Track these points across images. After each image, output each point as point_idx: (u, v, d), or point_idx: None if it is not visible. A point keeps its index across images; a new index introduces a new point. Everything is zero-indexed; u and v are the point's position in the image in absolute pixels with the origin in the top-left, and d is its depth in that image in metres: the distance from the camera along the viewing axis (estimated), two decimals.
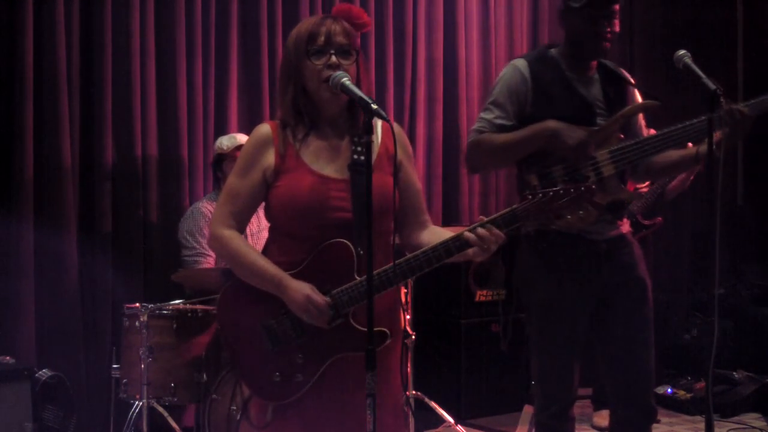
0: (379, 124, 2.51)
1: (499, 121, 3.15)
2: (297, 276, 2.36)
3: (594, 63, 3.24)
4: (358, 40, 2.47)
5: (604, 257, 3.18)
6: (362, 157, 2.41)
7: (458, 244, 2.36)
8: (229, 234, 2.43)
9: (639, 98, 3.30)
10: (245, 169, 2.45)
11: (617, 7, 3.17)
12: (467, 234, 2.35)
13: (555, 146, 3.07)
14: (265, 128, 2.47)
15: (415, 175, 2.60)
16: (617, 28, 3.18)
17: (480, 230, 2.34)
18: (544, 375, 3.25)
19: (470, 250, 2.36)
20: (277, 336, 2.39)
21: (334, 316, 2.36)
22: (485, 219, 2.40)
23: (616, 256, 3.20)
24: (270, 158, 2.42)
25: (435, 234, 2.55)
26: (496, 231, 2.35)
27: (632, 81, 3.31)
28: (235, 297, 2.46)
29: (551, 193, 2.39)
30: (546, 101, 3.14)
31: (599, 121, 3.16)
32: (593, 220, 3.02)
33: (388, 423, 2.47)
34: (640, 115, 3.32)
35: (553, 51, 3.26)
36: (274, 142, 2.43)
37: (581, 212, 2.71)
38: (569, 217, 2.83)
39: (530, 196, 2.40)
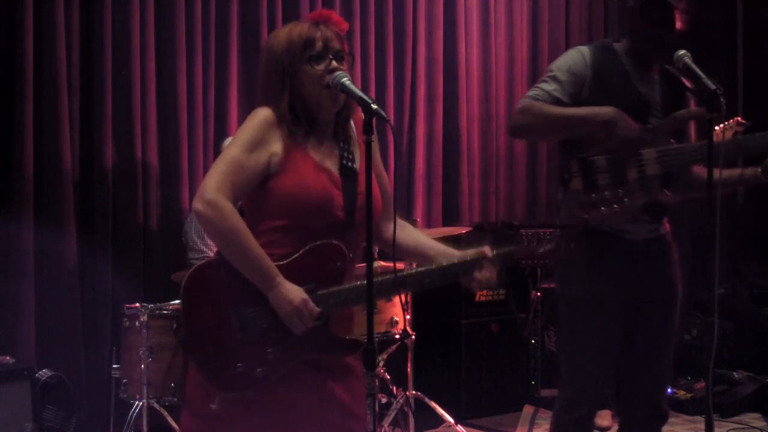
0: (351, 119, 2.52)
1: (556, 94, 3.10)
2: (283, 269, 2.33)
3: (656, 65, 3.20)
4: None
5: (640, 258, 3.14)
6: (351, 164, 2.44)
7: (462, 272, 2.44)
8: (231, 208, 2.30)
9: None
10: (252, 145, 2.34)
11: (678, 9, 3.09)
12: (477, 275, 2.43)
13: (606, 135, 3.02)
14: (269, 112, 2.38)
15: (381, 164, 2.60)
16: (677, 29, 3.11)
17: (486, 274, 2.43)
18: (572, 376, 3.19)
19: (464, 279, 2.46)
20: (249, 327, 2.32)
21: (317, 319, 2.34)
22: (489, 255, 2.45)
23: (651, 258, 3.16)
24: (278, 143, 2.36)
25: (408, 231, 2.57)
26: (494, 273, 2.44)
27: (691, 88, 3.23)
28: (210, 277, 2.35)
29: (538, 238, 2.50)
30: (603, 91, 3.10)
31: (651, 120, 3.12)
32: (627, 217, 3.01)
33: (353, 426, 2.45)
34: (692, 125, 3.26)
35: (616, 45, 3.21)
36: (279, 129, 2.37)
37: (616, 206, 2.71)
38: (603, 209, 2.83)
39: (525, 242, 2.50)
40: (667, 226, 3.27)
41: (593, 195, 2.98)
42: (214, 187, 2.30)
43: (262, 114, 2.38)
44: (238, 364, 2.31)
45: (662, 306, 3.19)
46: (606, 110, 3.02)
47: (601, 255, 3.11)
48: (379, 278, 2.36)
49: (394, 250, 2.38)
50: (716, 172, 2.87)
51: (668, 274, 3.21)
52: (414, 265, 2.52)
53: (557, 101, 3.10)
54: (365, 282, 2.29)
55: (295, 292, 2.30)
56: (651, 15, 3.08)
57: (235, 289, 2.33)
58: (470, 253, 2.44)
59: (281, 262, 2.33)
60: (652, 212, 3.13)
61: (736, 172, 3.12)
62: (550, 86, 3.12)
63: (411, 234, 2.57)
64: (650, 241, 3.16)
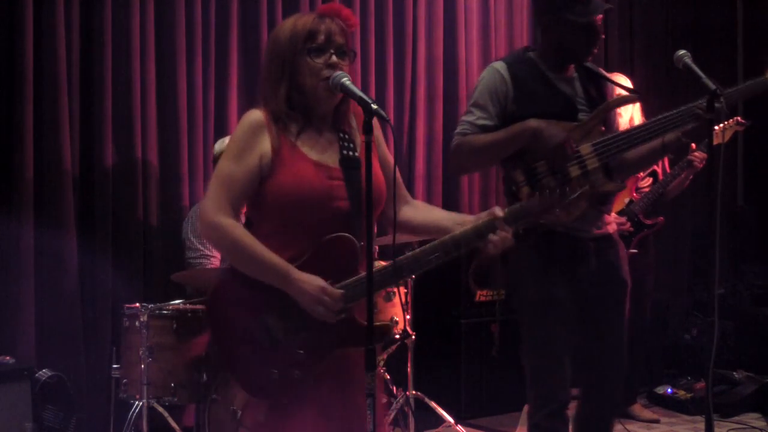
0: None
1: (481, 122, 3.18)
2: (299, 269, 2.33)
3: (572, 65, 3.30)
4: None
5: (592, 255, 3.21)
6: (353, 153, 2.43)
7: (475, 238, 2.38)
8: (230, 223, 2.35)
9: (617, 94, 3.36)
10: (240, 154, 2.38)
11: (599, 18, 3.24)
12: (492, 237, 2.37)
13: (537, 145, 3.10)
14: (257, 114, 2.41)
15: (387, 149, 2.59)
16: (601, 35, 3.26)
17: (502, 234, 2.37)
18: (538, 374, 3.26)
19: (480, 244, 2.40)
20: (276, 331, 2.34)
21: (341, 309, 2.33)
22: (500, 214, 2.39)
23: (603, 254, 3.24)
24: (266, 145, 2.37)
25: (422, 210, 2.57)
26: (509, 232, 2.39)
27: (610, 78, 3.39)
28: (229, 292, 2.40)
29: (558, 190, 2.42)
30: (528, 99, 3.18)
31: (581, 116, 3.21)
32: (580, 214, 3.07)
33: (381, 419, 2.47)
34: (617, 111, 3.39)
35: (531, 54, 3.30)
36: (267, 130, 2.38)
37: (569, 206, 2.74)
38: (557, 211, 2.86)
39: (538, 193, 2.44)
40: (614, 225, 3.35)
41: None
42: (210, 208, 2.37)
43: (249, 118, 2.40)
44: (274, 370, 2.33)
45: (612, 302, 3.27)
46: (529, 123, 3.10)
47: (553, 255, 3.18)
48: (403, 257, 2.35)
49: (394, 238, 2.37)
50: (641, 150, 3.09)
51: (617, 271, 3.29)
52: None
53: (484, 128, 3.18)
54: (380, 268, 2.33)
55: (312, 280, 2.31)
56: (592, 27, 3.18)
57: (255, 298, 2.35)
58: (482, 216, 2.42)
59: (294, 264, 2.34)
60: (599, 203, 3.22)
61: (657, 142, 3.18)
62: (473, 116, 3.20)
63: (424, 211, 2.58)
64: (598, 238, 3.24)
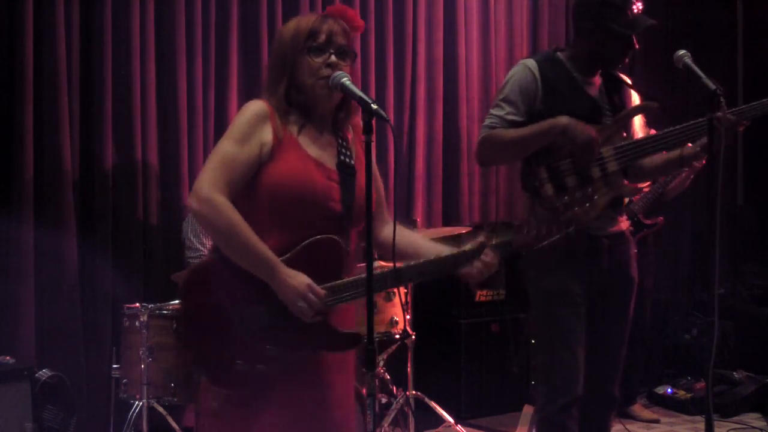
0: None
1: (510, 117, 3.23)
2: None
3: (599, 70, 3.36)
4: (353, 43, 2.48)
5: (606, 252, 3.27)
6: (349, 160, 2.43)
7: (461, 261, 2.42)
8: (227, 203, 2.29)
9: (637, 99, 3.42)
10: (243, 138, 2.34)
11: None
12: (476, 263, 2.42)
13: (565, 142, 3.15)
14: (261, 104, 2.40)
15: (375, 166, 2.59)
16: (636, 47, 3.34)
17: (485, 260, 2.42)
18: (551, 367, 3.27)
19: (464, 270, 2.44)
20: (247, 324, 2.30)
21: (320, 311, 2.31)
22: (488, 242, 2.43)
23: (615, 252, 3.30)
24: (268, 134, 2.36)
25: (404, 235, 2.54)
26: (494, 260, 2.43)
27: (631, 84, 3.46)
28: (208, 274, 2.35)
29: (544, 232, 2.48)
30: (556, 99, 3.23)
31: (604, 120, 3.27)
32: (597, 214, 3.10)
33: (347, 419, 2.46)
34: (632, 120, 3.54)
35: (560, 54, 3.35)
36: (271, 120, 2.38)
37: (587, 205, 2.77)
38: (577, 209, 2.89)
39: (525, 231, 2.49)
40: (626, 223, 3.42)
41: (566, 197, 3.05)
42: (208, 183, 2.29)
43: (253, 107, 2.40)
44: (238, 361, 2.31)
45: (620, 299, 3.34)
46: (560, 120, 3.16)
47: (571, 252, 3.21)
48: (380, 271, 2.35)
49: (394, 249, 2.36)
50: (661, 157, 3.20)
51: (627, 269, 3.36)
52: None
53: (512, 124, 3.23)
54: (364, 275, 2.29)
55: (298, 277, 2.29)
56: (631, 38, 3.26)
57: (233, 287, 2.32)
58: (468, 244, 2.45)
59: (280, 258, 2.32)
60: (613, 205, 3.28)
61: (675, 153, 3.27)
62: (503, 111, 3.25)
63: (406, 235, 2.55)
64: (612, 236, 3.30)
